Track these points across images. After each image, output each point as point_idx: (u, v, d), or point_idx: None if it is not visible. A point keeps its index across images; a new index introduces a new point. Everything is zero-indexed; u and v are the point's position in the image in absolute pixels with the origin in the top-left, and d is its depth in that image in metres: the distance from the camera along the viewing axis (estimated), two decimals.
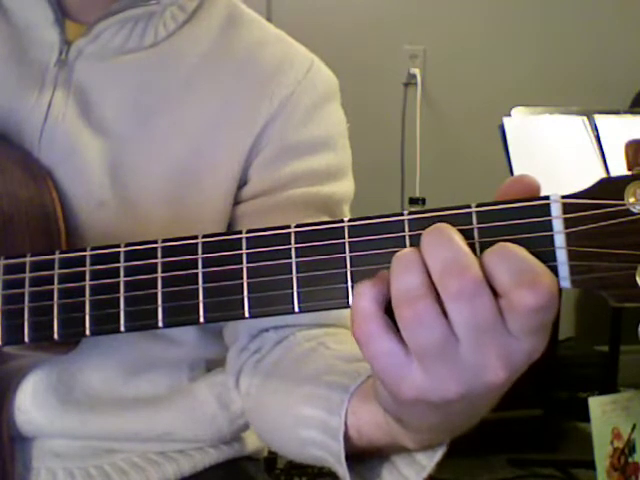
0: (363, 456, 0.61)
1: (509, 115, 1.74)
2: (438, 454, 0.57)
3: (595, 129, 1.70)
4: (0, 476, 0.72)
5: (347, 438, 0.59)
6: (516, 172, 1.63)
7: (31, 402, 0.73)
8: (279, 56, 0.81)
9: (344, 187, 0.81)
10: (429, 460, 0.58)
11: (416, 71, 2.64)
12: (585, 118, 1.72)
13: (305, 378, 0.67)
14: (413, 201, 2.48)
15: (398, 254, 0.46)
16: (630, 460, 1.81)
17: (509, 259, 0.44)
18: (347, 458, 0.59)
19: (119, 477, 0.77)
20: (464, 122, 2.65)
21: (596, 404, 1.79)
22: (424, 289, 0.45)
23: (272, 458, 1.98)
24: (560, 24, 2.69)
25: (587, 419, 1.80)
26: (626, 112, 1.81)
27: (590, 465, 1.81)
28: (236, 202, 0.79)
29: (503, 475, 2.18)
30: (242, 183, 0.79)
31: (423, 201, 2.45)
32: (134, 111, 0.76)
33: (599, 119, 1.71)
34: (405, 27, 2.64)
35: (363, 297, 0.47)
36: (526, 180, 0.47)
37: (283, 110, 0.79)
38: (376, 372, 0.49)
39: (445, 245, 0.45)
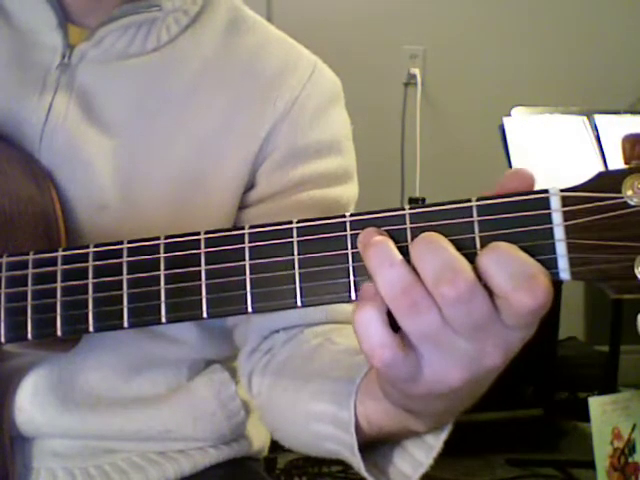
0: (375, 443, 0.62)
1: (509, 115, 1.75)
2: (444, 433, 0.59)
3: (595, 129, 1.71)
4: (0, 476, 0.71)
5: (358, 429, 0.60)
6: None
7: (31, 402, 0.73)
8: (282, 59, 0.81)
9: (350, 190, 0.82)
10: (436, 440, 0.59)
11: (416, 71, 2.65)
12: (585, 118, 1.73)
13: (313, 374, 0.67)
14: (413, 201, 2.48)
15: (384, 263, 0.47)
16: (630, 460, 1.81)
17: (504, 261, 0.44)
18: (360, 448, 0.60)
19: (119, 477, 0.77)
20: (464, 122, 2.66)
21: (596, 404, 1.78)
22: (415, 279, 0.46)
23: (272, 458, 1.98)
24: (560, 24, 2.69)
25: (587, 419, 1.80)
26: (626, 112, 1.82)
27: (590, 465, 1.80)
28: (242, 206, 0.79)
29: (503, 475, 2.17)
30: (249, 187, 0.79)
31: (423, 201, 2.45)
32: (138, 114, 0.76)
33: (599, 119, 1.71)
34: (405, 27, 2.65)
35: (364, 312, 0.47)
36: (522, 173, 0.48)
37: (288, 114, 0.79)
38: (387, 379, 0.51)
39: (435, 252, 0.46)
